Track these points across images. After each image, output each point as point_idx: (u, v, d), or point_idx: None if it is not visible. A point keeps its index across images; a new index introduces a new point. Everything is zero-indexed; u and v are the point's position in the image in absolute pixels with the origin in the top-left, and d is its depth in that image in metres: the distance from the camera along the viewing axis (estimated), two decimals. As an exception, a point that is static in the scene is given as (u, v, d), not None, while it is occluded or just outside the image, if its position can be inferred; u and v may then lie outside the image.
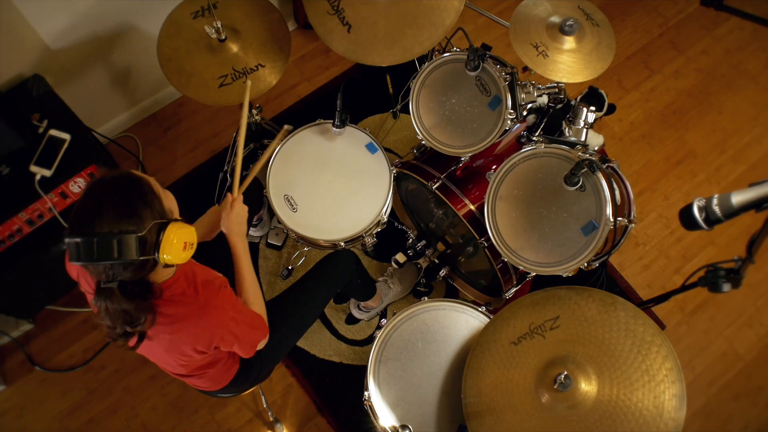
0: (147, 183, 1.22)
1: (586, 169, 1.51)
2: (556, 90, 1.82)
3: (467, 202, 1.90)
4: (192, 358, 1.44)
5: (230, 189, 1.70)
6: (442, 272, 2.36)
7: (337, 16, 1.87)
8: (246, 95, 1.76)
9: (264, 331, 1.54)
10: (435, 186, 1.90)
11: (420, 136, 1.93)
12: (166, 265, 1.24)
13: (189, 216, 2.55)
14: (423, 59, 2.12)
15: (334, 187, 2.03)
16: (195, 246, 1.26)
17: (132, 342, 1.30)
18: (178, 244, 1.19)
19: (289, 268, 2.47)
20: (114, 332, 1.25)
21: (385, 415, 1.68)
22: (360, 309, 2.40)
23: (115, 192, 1.17)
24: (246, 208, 1.65)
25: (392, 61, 1.85)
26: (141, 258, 1.16)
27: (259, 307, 1.58)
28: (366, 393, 1.71)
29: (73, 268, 1.45)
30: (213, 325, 1.36)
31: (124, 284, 1.18)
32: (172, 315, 1.32)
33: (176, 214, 1.29)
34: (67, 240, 1.15)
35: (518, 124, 1.99)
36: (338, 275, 1.95)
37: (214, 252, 1.70)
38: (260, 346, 1.56)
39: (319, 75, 2.90)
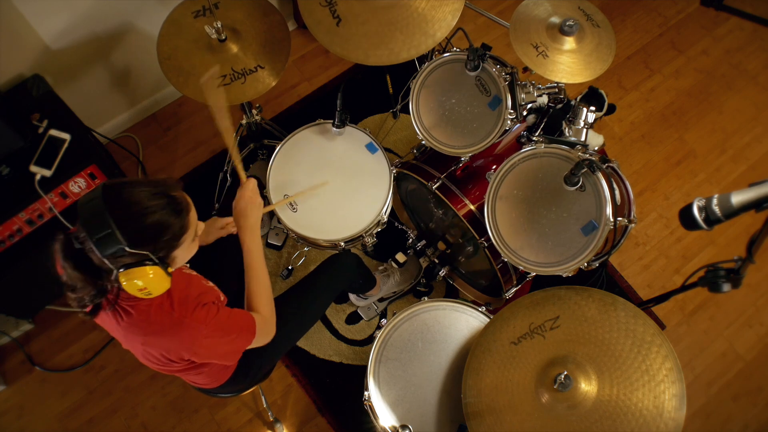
0: (182, 229, 1.24)
1: (586, 169, 1.51)
2: (556, 90, 1.82)
3: (467, 202, 1.90)
4: (168, 363, 1.45)
5: (231, 191, 1.69)
6: (442, 272, 2.36)
7: (329, 8, 1.87)
8: (212, 95, 1.65)
9: (251, 333, 1.47)
10: (435, 186, 1.90)
11: (420, 136, 1.93)
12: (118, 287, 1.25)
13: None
14: (423, 59, 2.13)
15: (334, 187, 2.03)
16: (152, 295, 1.26)
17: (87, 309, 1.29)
18: (137, 283, 1.21)
19: (289, 268, 2.47)
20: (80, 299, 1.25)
21: (385, 415, 1.68)
22: (359, 296, 2.40)
23: (142, 215, 1.18)
24: (258, 198, 1.59)
25: (375, 62, 1.84)
26: (103, 259, 1.17)
27: (263, 304, 1.55)
28: (366, 393, 1.71)
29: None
30: (184, 343, 1.36)
31: (87, 258, 1.20)
32: (144, 324, 1.32)
33: (181, 256, 1.30)
34: (89, 197, 1.16)
35: (518, 124, 1.99)
36: (340, 278, 1.96)
37: (220, 262, 1.70)
38: (256, 344, 1.51)
39: (319, 75, 2.90)
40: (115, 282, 1.23)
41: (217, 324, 1.38)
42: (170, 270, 1.26)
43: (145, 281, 1.21)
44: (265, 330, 1.53)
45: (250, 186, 1.60)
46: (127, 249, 1.16)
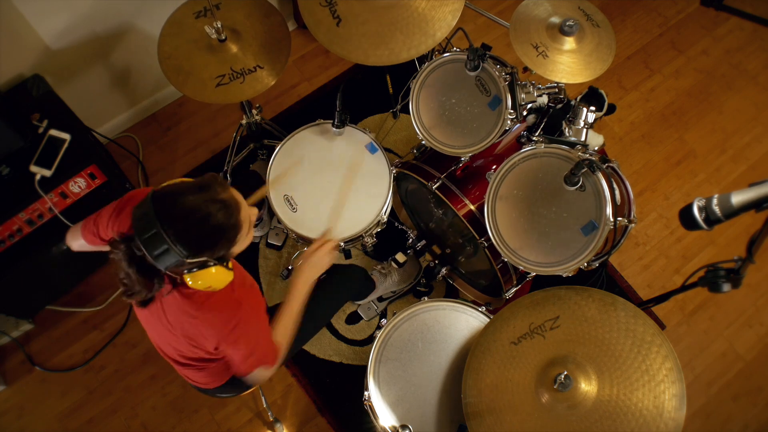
0: (237, 227, 1.25)
1: (586, 169, 1.51)
2: (556, 90, 1.82)
3: (467, 202, 1.90)
4: (197, 348, 1.46)
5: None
6: (442, 272, 2.36)
7: (329, 8, 1.87)
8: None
9: (272, 360, 1.49)
10: (435, 186, 1.90)
11: (420, 136, 1.93)
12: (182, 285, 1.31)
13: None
14: (423, 59, 2.13)
15: (334, 187, 2.03)
16: (215, 290, 1.30)
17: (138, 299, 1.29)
18: (201, 283, 1.25)
19: (289, 268, 2.47)
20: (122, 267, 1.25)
21: (385, 415, 1.68)
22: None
23: (201, 227, 1.19)
24: (333, 256, 1.67)
25: (375, 62, 1.84)
26: (165, 273, 1.23)
27: (284, 338, 1.57)
28: (366, 393, 1.71)
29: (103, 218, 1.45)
30: (229, 324, 1.37)
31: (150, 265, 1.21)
32: (203, 299, 1.34)
33: (238, 249, 1.31)
34: (151, 204, 1.16)
35: (518, 124, 1.98)
36: (348, 291, 2.00)
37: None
38: (261, 374, 1.51)
39: (319, 75, 2.90)
40: (180, 283, 1.28)
41: (264, 320, 1.45)
42: (230, 265, 1.29)
43: (209, 280, 1.25)
44: (277, 363, 1.54)
45: (331, 246, 1.67)
46: (187, 260, 1.18)
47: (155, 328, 1.50)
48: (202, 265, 1.22)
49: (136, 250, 1.20)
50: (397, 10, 1.83)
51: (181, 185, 1.22)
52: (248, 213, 1.31)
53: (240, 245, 1.31)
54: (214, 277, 1.25)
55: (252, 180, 2.17)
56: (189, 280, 1.23)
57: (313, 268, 1.63)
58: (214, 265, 1.23)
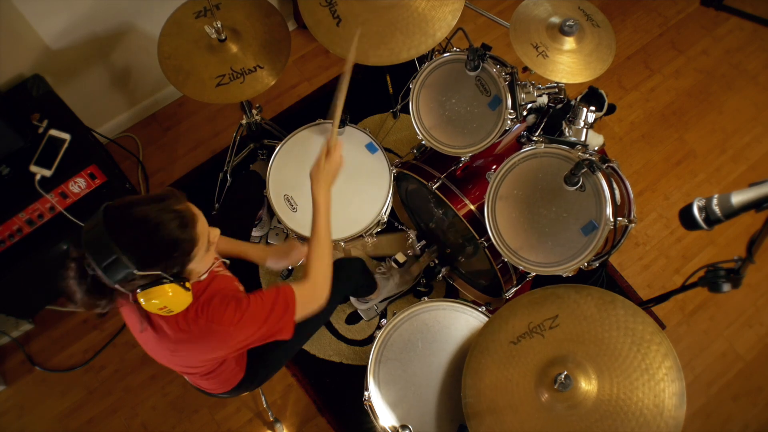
0: (193, 241, 1.19)
1: (586, 169, 1.51)
2: (556, 90, 1.82)
3: (467, 202, 1.90)
4: (197, 366, 1.45)
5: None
6: (442, 272, 2.36)
7: (329, 8, 1.87)
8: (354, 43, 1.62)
9: (291, 307, 1.39)
10: (435, 186, 1.90)
11: (420, 136, 1.93)
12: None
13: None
14: (423, 59, 2.13)
15: (334, 187, 2.02)
16: (173, 312, 1.23)
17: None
18: (155, 303, 1.18)
19: (290, 268, 2.47)
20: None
21: (385, 415, 1.68)
22: (360, 300, 2.40)
23: (149, 236, 1.14)
24: (342, 160, 1.56)
25: (376, 62, 1.84)
26: (115, 286, 1.15)
27: (319, 269, 1.49)
28: (366, 393, 1.71)
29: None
30: (214, 347, 1.34)
31: (100, 284, 1.17)
32: (170, 336, 1.30)
33: (197, 268, 1.27)
34: (89, 226, 1.13)
35: (518, 124, 1.99)
36: (346, 283, 1.96)
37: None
38: (304, 312, 1.43)
39: (319, 75, 2.90)
40: (133, 302, 1.20)
41: (249, 317, 1.33)
42: (188, 285, 1.22)
43: (164, 300, 1.17)
44: (311, 297, 1.47)
45: (340, 148, 1.56)
46: (137, 272, 1.12)
47: (154, 352, 1.45)
48: (156, 282, 1.16)
49: (87, 269, 1.15)
50: (397, 10, 1.84)
51: (135, 197, 1.18)
52: (207, 229, 1.26)
53: (199, 263, 1.25)
54: (170, 298, 1.18)
55: (252, 180, 2.16)
56: (141, 299, 1.16)
57: (328, 174, 1.53)
58: (169, 283, 1.17)
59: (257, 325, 1.35)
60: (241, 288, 1.52)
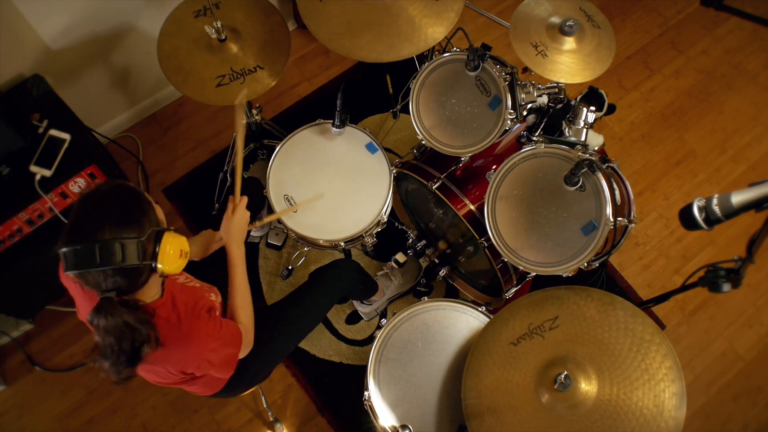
0: (142, 193, 1.25)
1: (586, 169, 1.51)
2: (556, 90, 1.82)
3: (467, 202, 1.90)
4: (168, 376, 1.46)
5: (231, 191, 1.70)
6: (442, 272, 2.36)
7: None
8: (241, 103, 1.74)
9: (237, 346, 1.49)
10: (435, 186, 1.90)
11: (420, 136, 1.93)
12: (162, 275, 1.24)
13: (188, 217, 2.54)
14: (423, 59, 2.13)
15: (334, 187, 2.03)
16: (189, 256, 1.27)
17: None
18: (173, 252, 1.21)
19: (289, 268, 2.47)
20: (118, 361, 1.24)
21: (385, 415, 1.68)
22: (362, 303, 2.40)
23: (116, 201, 1.20)
24: (248, 213, 1.65)
25: (376, 59, 1.85)
26: (142, 263, 1.17)
27: (245, 315, 1.57)
28: (366, 393, 1.71)
29: (70, 286, 1.43)
30: (191, 356, 1.38)
31: (121, 294, 1.19)
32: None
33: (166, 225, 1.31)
34: (64, 249, 1.16)
35: (518, 124, 1.99)
36: (340, 284, 1.97)
37: (211, 270, 1.71)
38: (243, 355, 1.54)
39: (319, 75, 2.90)
40: (157, 276, 1.24)
41: (221, 335, 1.40)
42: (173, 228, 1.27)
43: (172, 245, 1.21)
44: (247, 341, 1.55)
45: (244, 204, 1.63)
46: (141, 238, 1.16)
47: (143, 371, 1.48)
48: (158, 237, 1.20)
49: (103, 294, 1.17)
50: (397, 9, 1.83)
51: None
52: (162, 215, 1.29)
53: (158, 209, 1.26)
54: (175, 242, 1.22)
55: (252, 186, 2.16)
56: (162, 263, 1.20)
57: (237, 229, 1.60)
58: (164, 231, 1.21)
59: (223, 345, 1.43)
60: (205, 290, 1.57)
